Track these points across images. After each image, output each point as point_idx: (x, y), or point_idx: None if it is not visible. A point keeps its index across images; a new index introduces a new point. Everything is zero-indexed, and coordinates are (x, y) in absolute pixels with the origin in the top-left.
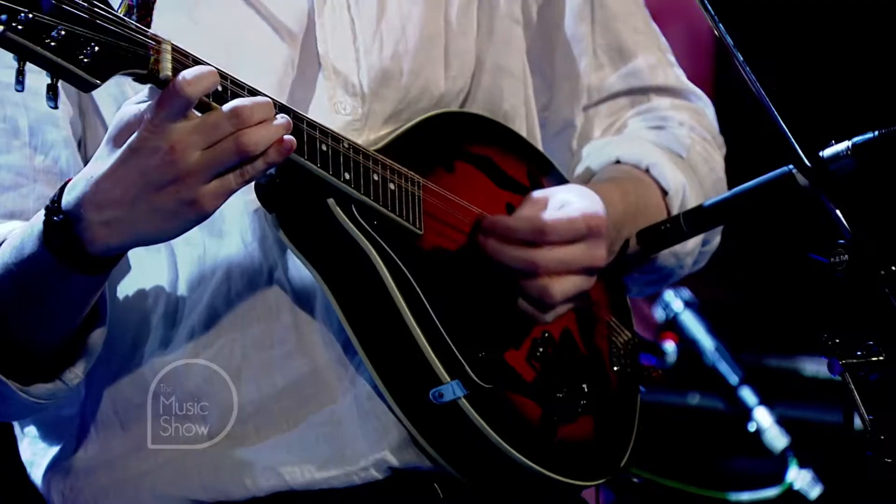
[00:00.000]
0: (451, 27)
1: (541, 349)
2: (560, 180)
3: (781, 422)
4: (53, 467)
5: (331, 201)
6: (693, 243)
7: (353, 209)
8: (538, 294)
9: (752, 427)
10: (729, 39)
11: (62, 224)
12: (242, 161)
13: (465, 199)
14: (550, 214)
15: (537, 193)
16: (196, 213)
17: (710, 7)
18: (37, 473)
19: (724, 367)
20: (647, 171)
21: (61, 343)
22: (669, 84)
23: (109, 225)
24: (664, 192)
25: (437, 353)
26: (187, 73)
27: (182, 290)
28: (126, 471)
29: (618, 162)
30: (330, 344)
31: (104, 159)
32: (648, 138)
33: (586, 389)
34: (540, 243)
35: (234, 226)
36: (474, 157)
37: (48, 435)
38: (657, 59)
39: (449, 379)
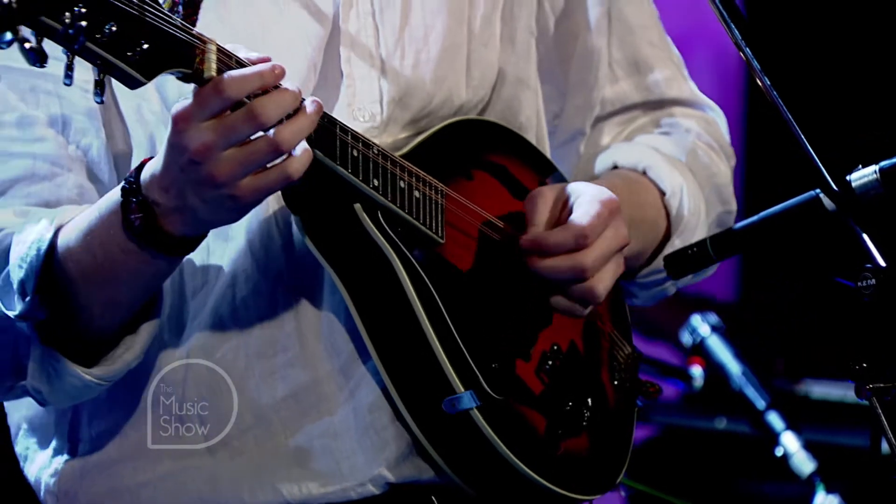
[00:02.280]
0: (474, 37)
1: (550, 362)
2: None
3: (808, 446)
4: (46, 466)
5: (357, 206)
6: (697, 239)
7: (379, 215)
8: (584, 295)
9: (779, 452)
10: (756, 64)
11: (140, 205)
12: (278, 157)
13: (482, 207)
14: (579, 216)
15: (542, 192)
16: (239, 206)
17: (737, 32)
18: (30, 470)
19: (750, 392)
20: (644, 173)
21: (117, 330)
22: (683, 97)
23: (178, 211)
24: (662, 194)
25: (453, 363)
26: (226, 76)
27: (187, 293)
28: (123, 479)
29: (615, 167)
30: (333, 354)
31: (165, 146)
32: (650, 143)
33: (590, 403)
34: (583, 247)
35: (242, 229)
36: (491, 166)
37: (40, 429)
38: (671, 73)
39: (463, 389)
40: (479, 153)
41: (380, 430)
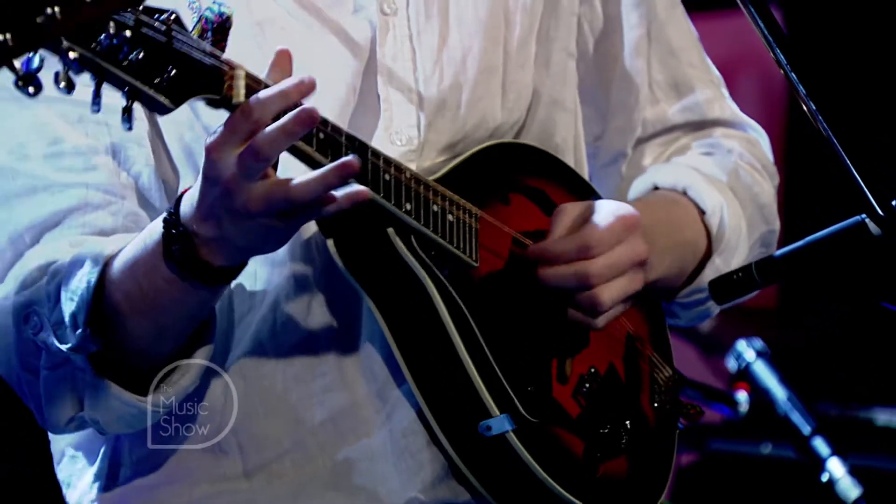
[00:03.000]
0: (511, 59)
1: (587, 385)
2: None
3: (854, 472)
4: (87, 491)
5: (390, 230)
6: (738, 260)
7: (412, 239)
8: (589, 303)
9: (824, 477)
10: (801, 88)
11: (181, 236)
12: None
13: (518, 231)
14: (590, 228)
15: (566, 208)
16: (277, 235)
17: (782, 57)
18: (72, 495)
19: (796, 417)
20: (684, 192)
21: (171, 357)
22: (725, 117)
23: (217, 241)
24: (702, 213)
25: (488, 387)
26: (252, 100)
27: (235, 318)
28: (161, 503)
29: (656, 188)
30: (370, 377)
31: (200, 177)
32: (690, 163)
33: (629, 426)
34: (588, 257)
35: (285, 254)
36: (529, 190)
37: (83, 456)
38: (712, 93)
39: (498, 412)
40: (516, 177)
41: (415, 452)
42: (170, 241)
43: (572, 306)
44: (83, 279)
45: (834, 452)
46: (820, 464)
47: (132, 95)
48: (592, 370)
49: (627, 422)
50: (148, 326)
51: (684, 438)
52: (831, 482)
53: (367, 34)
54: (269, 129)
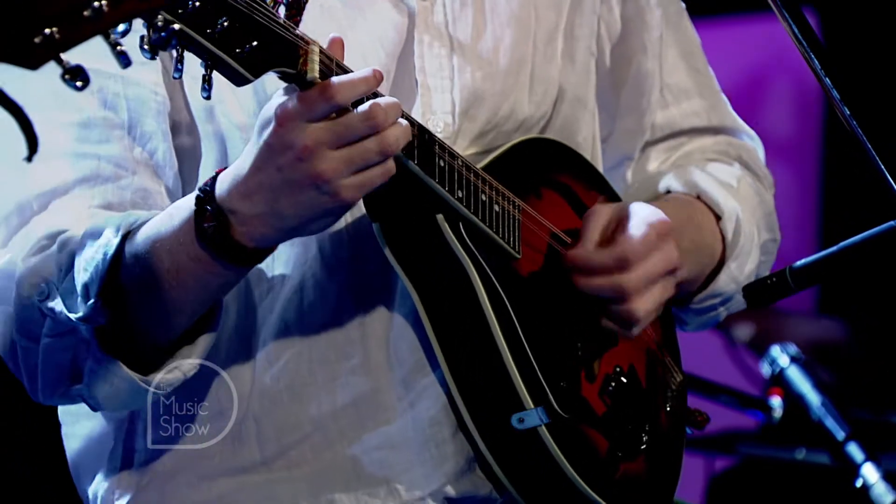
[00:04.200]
0: (538, 52)
1: (612, 384)
2: None
3: (888, 477)
4: (103, 480)
5: (440, 217)
6: (750, 267)
7: (461, 227)
8: (625, 315)
9: (858, 483)
10: (836, 94)
11: (215, 214)
12: (384, 159)
13: (554, 227)
14: (626, 238)
15: (598, 211)
16: (337, 205)
17: (817, 62)
18: (87, 487)
19: (830, 423)
20: (698, 197)
21: (175, 340)
22: (727, 124)
23: (260, 217)
24: (717, 218)
25: (524, 379)
26: (340, 82)
27: (255, 300)
28: (177, 497)
29: (668, 192)
30: (396, 364)
31: (249, 154)
32: (702, 169)
33: (647, 428)
34: (625, 270)
35: (314, 235)
36: (559, 185)
37: (98, 446)
38: (716, 100)
39: (532, 405)
40: (548, 172)
41: (440, 443)
42: (202, 218)
43: (606, 315)
44: (100, 250)
45: (868, 458)
46: (854, 469)
47: (214, 64)
48: (617, 369)
49: (647, 424)
50: (163, 304)
51: (717, 443)
52: (865, 487)
53: (405, 19)
54: (395, 131)
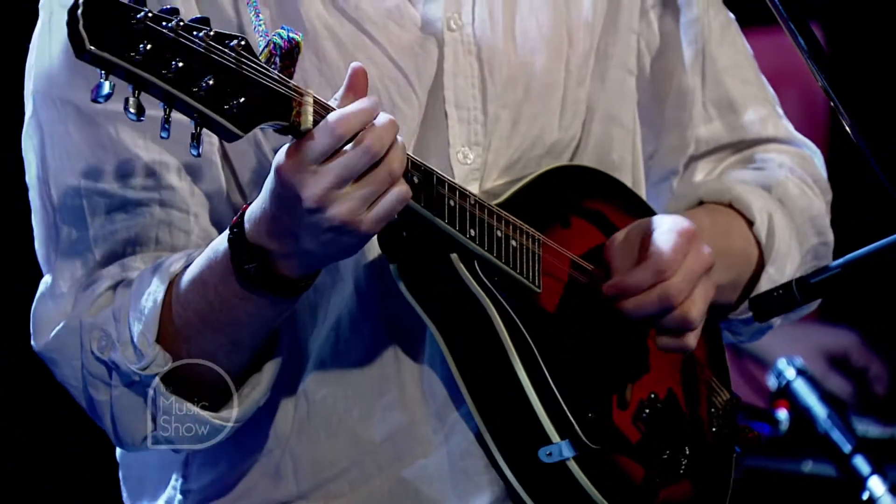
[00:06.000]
0: (571, 76)
1: (647, 410)
2: None
3: (895, 490)
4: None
5: (454, 256)
6: (791, 270)
7: (476, 265)
8: (679, 321)
9: (865, 495)
10: (840, 106)
11: (256, 254)
12: (393, 183)
13: (579, 255)
14: (656, 251)
15: (619, 236)
16: (359, 239)
17: (822, 73)
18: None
19: (836, 435)
20: (730, 205)
21: (239, 373)
22: (779, 135)
23: (294, 256)
24: (750, 224)
25: (549, 413)
26: (331, 119)
27: (298, 332)
28: None
29: (701, 203)
30: (431, 397)
31: (268, 196)
32: (737, 177)
33: (688, 452)
34: (665, 280)
35: (349, 272)
36: (589, 213)
37: (151, 479)
38: (767, 112)
39: (559, 439)
40: (576, 200)
41: (473, 475)
42: (240, 260)
43: (660, 332)
44: (149, 297)
45: (874, 470)
46: (860, 482)
47: (202, 122)
48: (652, 395)
49: (687, 447)
50: (223, 341)
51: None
52: (872, 500)
53: (434, 48)
54: (394, 150)
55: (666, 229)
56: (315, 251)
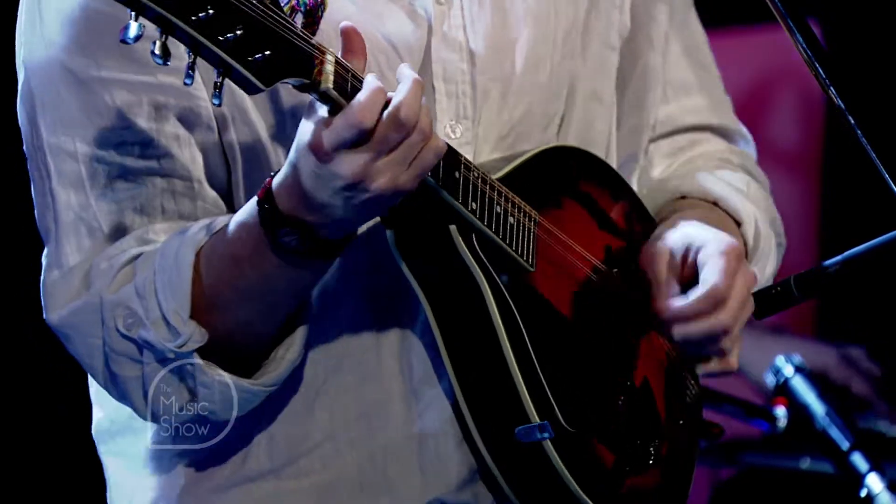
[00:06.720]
0: (557, 50)
1: (622, 398)
2: (648, 219)
3: (893, 487)
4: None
5: (453, 228)
6: (770, 270)
7: (473, 238)
8: (725, 348)
9: (863, 492)
10: (840, 102)
11: (292, 227)
12: (426, 143)
13: (571, 237)
14: (711, 275)
15: (661, 251)
16: (401, 197)
17: (821, 72)
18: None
19: (834, 432)
20: (714, 203)
21: (275, 335)
22: (725, 124)
23: (331, 225)
24: (737, 224)
25: (531, 392)
26: (360, 106)
27: None
28: None
29: (683, 198)
30: (408, 373)
31: (299, 172)
32: (715, 175)
33: (657, 442)
34: (721, 308)
35: None
36: (580, 195)
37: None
38: (719, 97)
39: (539, 419)
40: (569, 181)
41: (443, 455)
42: (276, 233)
43: (702, 357)
44: (178, 273)
45: (873, 467)
46: (859, 479)
47: (226, 73)
48: (628, 384)
49: (658, 437)
50: (261, 308)
51: (722, 453)
52: (870, 497)
53: (422, 26)
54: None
55: (714, 250)
56: (353, 218)
